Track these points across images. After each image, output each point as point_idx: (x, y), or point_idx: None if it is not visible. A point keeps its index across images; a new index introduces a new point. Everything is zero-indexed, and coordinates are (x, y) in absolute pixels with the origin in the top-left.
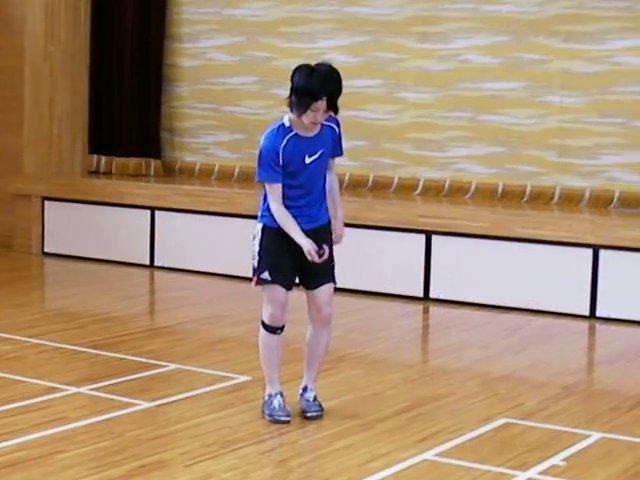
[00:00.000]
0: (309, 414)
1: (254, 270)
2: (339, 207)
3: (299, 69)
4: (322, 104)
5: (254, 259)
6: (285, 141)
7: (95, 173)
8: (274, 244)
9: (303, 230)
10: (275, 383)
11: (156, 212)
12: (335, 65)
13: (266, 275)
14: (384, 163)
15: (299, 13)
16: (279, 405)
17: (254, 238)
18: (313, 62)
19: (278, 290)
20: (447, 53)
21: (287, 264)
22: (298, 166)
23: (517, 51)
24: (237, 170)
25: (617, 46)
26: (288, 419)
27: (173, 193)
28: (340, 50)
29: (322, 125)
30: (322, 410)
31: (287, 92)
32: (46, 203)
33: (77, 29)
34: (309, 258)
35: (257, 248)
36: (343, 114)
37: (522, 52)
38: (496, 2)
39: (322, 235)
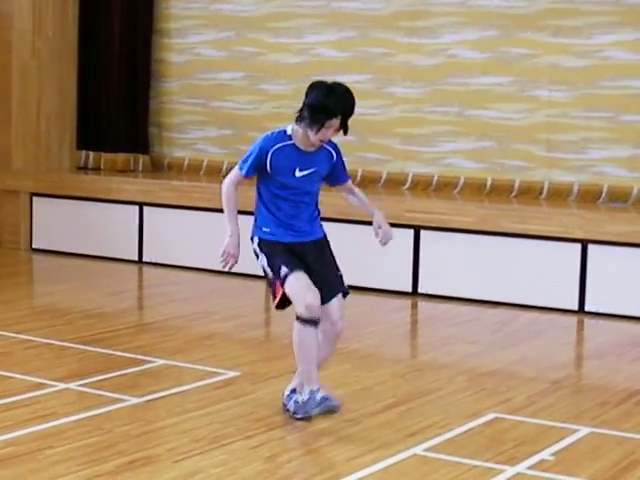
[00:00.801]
0: (300, 415)
1: (272, 282)
2: (371, 207)
3: (317, 86)
4: (336, 122)
5: (267, 275)
6: (279, 146)
7: (83, 169)
8: (277, 248)
9: (292, 243)
10: (315, 379)
11: (144, 208)
12: (323, 60)
13: (285, 270)
14: (372, 158)
15: (287, 8)
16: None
17: (257, 256)
18: (328, 80)
19: (302, 276)
20: (435, 48)
21: (296, 259)
22: (287, 178)
23: (505, 46)
24: (225, 165)
25: (605, 40)
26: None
27: (161, 189)
28: (328, 45)
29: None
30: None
31: (275, 87)
32: (34, 199)
33: (65, 25)
34: (220, 258)
35: (264, 261)
36: None
37: (510, 47)
38: None
39: (318, 248)
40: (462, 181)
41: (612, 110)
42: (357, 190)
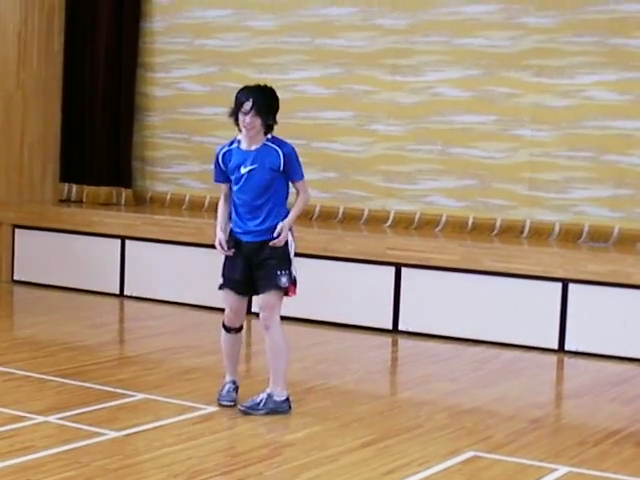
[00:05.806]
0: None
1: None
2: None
3: None
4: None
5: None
6: (226, 148)
7: (66, 201)
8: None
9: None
10: (228, 372)
11: (126, 241)
12: (307, 96)
13: (220, 281)
14: (354, 195)
15: (271, 44)
16: (226, 391)
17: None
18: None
19: (229, 294)
20: (418, 86)
21: (238, 270)
22: (235, 174)
23: (488, 84)
24: (207, 200)
25: (588, 81)
26: (229, 404)
27: (143, 222)
28: (312, 82)
29: (265, 144)
30: None
31: None
32: (16, 231)
33: (50, 57)
34: (218, 249)
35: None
36: (314, 145)
37: (493, 86)
38: (468, 36)
39: (263, 250)
40: (444, 219)
41: (594, 150)
42: (301, 198)
